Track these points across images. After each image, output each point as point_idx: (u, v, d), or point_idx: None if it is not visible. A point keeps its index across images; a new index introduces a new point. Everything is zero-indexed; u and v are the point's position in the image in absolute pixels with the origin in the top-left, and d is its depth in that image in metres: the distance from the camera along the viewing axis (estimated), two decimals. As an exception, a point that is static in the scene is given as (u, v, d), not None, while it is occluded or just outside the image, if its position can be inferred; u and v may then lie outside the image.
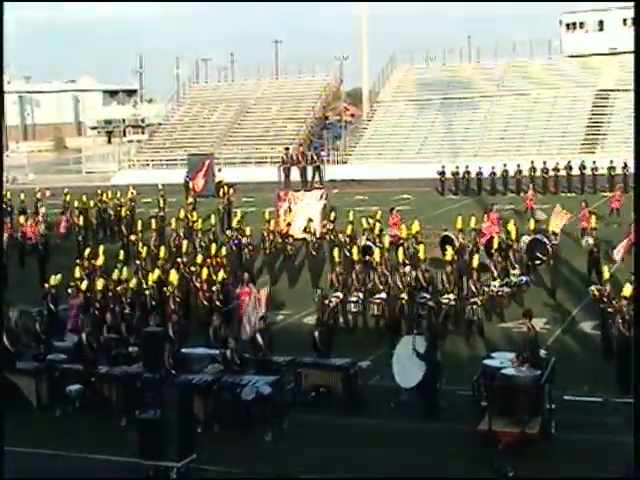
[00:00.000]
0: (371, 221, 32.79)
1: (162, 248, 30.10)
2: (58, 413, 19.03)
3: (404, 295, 23.83)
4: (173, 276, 25.12)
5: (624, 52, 69.26)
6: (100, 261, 28.04)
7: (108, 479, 15.77)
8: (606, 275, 21.87)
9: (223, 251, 28.74)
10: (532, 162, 55.33)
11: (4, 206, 45.49)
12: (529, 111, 73.58)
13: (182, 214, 38.06)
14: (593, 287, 22.17)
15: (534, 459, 15.51)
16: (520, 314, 19.50)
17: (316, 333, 19.74)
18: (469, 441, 16.23)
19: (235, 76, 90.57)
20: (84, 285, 25.13)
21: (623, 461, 13.07)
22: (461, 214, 33.10)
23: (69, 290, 25.19)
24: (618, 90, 71.56)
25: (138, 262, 28.60)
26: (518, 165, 54.85)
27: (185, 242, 30.91)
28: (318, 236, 32.46)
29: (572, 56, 77.71)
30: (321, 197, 39.93)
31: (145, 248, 30.34)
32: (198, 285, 25.62)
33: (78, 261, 28.01)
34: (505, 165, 55.68)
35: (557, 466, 15.21)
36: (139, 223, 36.06)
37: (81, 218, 40.26)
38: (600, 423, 16.91)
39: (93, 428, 18.10)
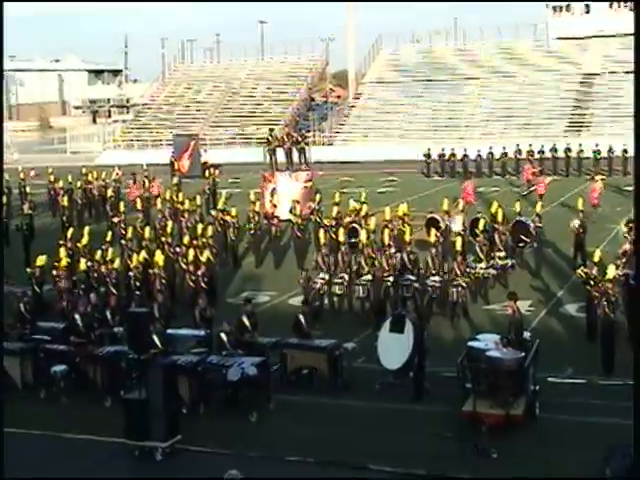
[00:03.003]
0: (357, 204, 32.85)
1: (147, 229, 30.04)
2: (43, 394, 18.98)
3: (389, 277, 23.89)
4: (159, 257, 25.08)
5: (610, 35, 69.42)
6: (85, 242, 27.94)
7: (93, 459, 15.75)
8: (596, 258, 21.90)
9: (209, 232, 28.67)
10: (517, 145, 55.41)
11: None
12: (515, 94, 73.59)
13: (168, 195, 37.95)
14: (579, 270, 22.23)
15: (518, 440, 15.59)
16: (505, 296, 19.56)
17: (300, 316, 19.70)
18: (454, 422, 16.29)
19: (221, 57, 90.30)
20: (64, 264, 25.08)
21: (606, 442, 13.11)
22: (447, 196, 33.20)
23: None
24: (604, 73, 71.65)
25: (123, 243, 28.52)
26: (504, 148, 54.93)
27: (170, 223, 30.82)
28: (303, 218, 32.42)
29: (559, 39, 77.68)
30: (307, 179, 39.87)
31: (130, 229, 30.26)
32: (184, 266, 25.61)
33: (62, 242, 27.88)
34: (491, 148, 55.71)
35: (541, 447, 15.29)
36: (122, 204, 35.94)
37: (65, 198, 40.06)
38: (584, 404, 17.00)
39: (78, 409, 18.07)
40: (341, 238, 27.03)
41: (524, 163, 53.15)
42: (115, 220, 33.98)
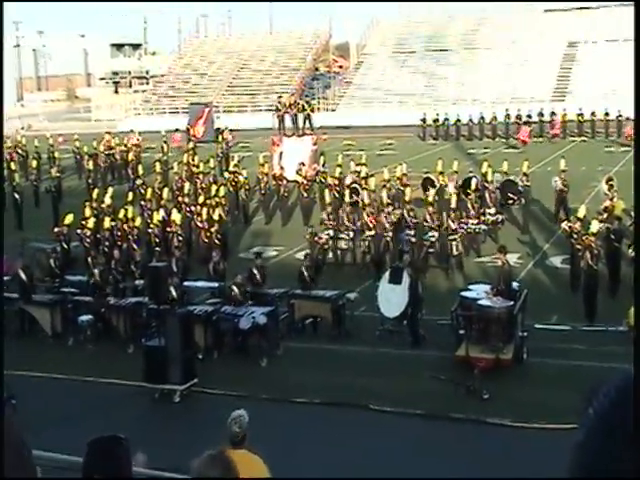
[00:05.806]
0: (357, 167, 32.67)
1: (165, 190, 29.87)
2: (71, 341, 18.98)
3: (389, 233, 23.75)
4: (176, 216, 24.96)
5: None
6: (108, 202, 27.80)
7: (117, 401, 15.73)
8: (580, 214, 21.67)
9: (222, 192, 28.50)
10: (507, 110, 54.95)
11: (20, 151, 45.43)
12: (505, 62, 72.70)
13: (184, 158, 37.75)
14: (564, 224, 22.06)
15: (507, 382, 15.54)
16: (495, 250, 19.43)
17: (303, 268, 19.59)
18: (448, 366, 16.23)
19: (232, 30, 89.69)
20: (91, 223, 24.97)
21: (589, 384, 13.06)
22: (441, 158, 32.94)
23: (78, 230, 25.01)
24: (587, 42, 70.97)
25: (143, 203, 28.37)
26: (493, 113, 54.49)
27: (187, 184, 30.67)
28: (309, 179, 32.22)
29: (547, 11, 76.65)
30: (312, 142, 39.59)
31: (149, 190, 30.10)
32: (199, 224, 25.49)
33: (87, 202, 27.73)
34: (481, 113, 55.26)
35: (528, 389, 15.23)
36: (139, 167, 35.79)
37: (90, 162, 39.93)
38: (568, 349, 16.92)
39: (103, 355, 18.07)
40: (345, 198, 26.86)
41: (513, 126, 52.83)
42: (138, 183, 33.82)
